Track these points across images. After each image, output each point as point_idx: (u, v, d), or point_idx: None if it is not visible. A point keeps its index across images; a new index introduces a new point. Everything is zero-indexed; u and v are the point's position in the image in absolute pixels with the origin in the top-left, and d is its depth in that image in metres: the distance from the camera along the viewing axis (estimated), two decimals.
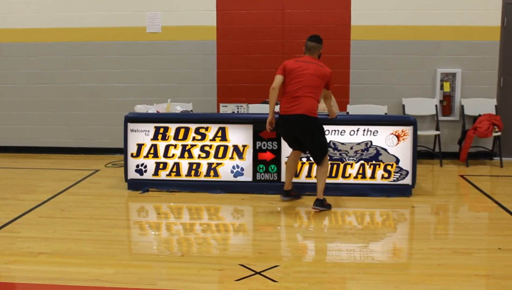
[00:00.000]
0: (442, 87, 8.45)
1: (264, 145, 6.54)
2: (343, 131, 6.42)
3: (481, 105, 8.37)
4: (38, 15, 8.76)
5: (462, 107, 8.43)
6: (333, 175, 6.47)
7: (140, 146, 6.67)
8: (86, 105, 8.90)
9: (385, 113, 8.11)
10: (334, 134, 6.42)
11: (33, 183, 7.25)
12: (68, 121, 8.97)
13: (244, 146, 6.56)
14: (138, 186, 6.71)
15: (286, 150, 6.38)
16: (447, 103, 8.50)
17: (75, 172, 7.76)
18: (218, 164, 6.61)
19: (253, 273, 4.24)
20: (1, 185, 7.21)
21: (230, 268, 4.36)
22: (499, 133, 8.12)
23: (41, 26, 8.79)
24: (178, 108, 7.53)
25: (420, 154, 6.83)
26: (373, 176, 6.45)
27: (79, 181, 7.26)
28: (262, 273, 4.24)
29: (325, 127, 6.22)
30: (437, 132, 8.31)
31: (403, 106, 8.42)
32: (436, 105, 8.42)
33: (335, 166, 6.47)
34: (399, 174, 6.42)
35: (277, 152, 6.52)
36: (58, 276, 4.24)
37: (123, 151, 6.80)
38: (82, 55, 8.80)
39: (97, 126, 8.89)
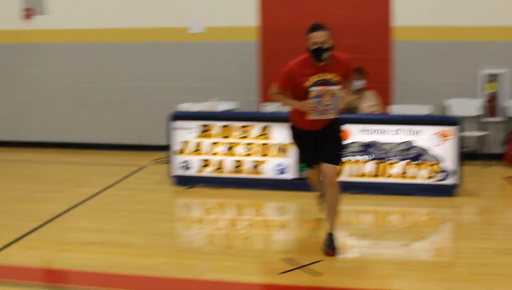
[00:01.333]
0: (486, 88, 8.36)
1: None
2: (386, 131, 6.43)
3: None
4: (86, 16, 9.03)
5: (507, 108, 8.32)
6: (376, 174, 6.49)
7: (185, 144, 6.82)
8: (131, 103, 9.12)
9: (428, 114, 8.07)
10: (377, 134, 6.44)
11: (83, 178, 7.52)
12: (115, 119, 9.21)
13: (287, 144, 6.63)
14: (183, 182, 6.86)
15: None
16: (491, 104, 8.41)
17: (122, 168, 7.97)
18: (261, 161, 6.71)
19: (297, 267, 4.32)
20: (53, 179, 7.48)
21: (274, 261, 4.46)
22: None
23: (88, 27, 9.05)
24: (221, 106, 7.66)
25: (464, 155, 6.79)
26: (416, 176, 6.44)
27: (126, 177, 7.45)
28: (305, 267, 4.32)
29: (368, 127, 6.26)
30: (481, 133, 8.23)
31: (447, 107, 8.36)
32: (480, 106, 8.33)
33: (378, 165, 6.48)
34: (442, 174, 6.40)
35: None
36: (109, 264, 4.42)
37: (168, 148, 6.97)
38: (128, 55, 9.02)
39: (143, 124, 9.09)
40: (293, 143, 5.23)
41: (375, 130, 6.45)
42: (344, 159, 5.60)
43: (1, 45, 9.39)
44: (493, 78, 8.35)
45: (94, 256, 4.60)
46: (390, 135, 6.44)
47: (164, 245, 4.94)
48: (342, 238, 4.88)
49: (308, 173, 5.38)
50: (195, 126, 6.79)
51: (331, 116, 4.73)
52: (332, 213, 4.81)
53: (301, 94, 4.69)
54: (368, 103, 7.26)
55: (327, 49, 4.55)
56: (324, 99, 4.64)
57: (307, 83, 4.65)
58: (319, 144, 4.91)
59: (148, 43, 8.96)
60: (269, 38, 8.63)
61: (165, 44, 8.91)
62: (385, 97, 8.11)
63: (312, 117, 4.71)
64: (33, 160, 8.74)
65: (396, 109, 8.06)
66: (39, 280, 4.32)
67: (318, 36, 4.52)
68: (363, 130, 6.45)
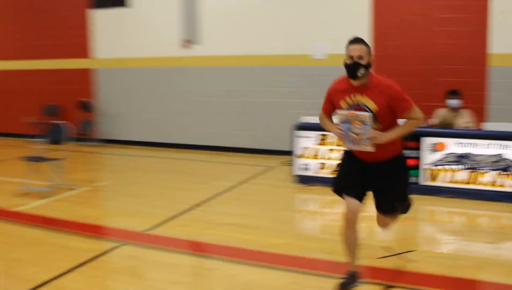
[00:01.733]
0: None
1: None
2: (478, 144, 6.28)
3: None
4: (234, 44, 9.53)
5: None
6: (468, 182, 6.35)
7: (305, 149, 7.09)
8: (264, 115, 9.49)
9: None
10: (470, 147, 6.30)
11: (223, 173, 8.02)
12: (251, 128, 9.62)
13: None
14: (304, 180, 7.12)
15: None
16: None
17: (254, 167, 8.36)
18: None
19: (394, 254, 4.43)
20: (202, 174, 8.08)
21: (372, 249, 4.58)
22: None
23: (234, 54, 9.57)
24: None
25: None
26: (505, 185, 6.22)
27: (257, 175, 7.85)
28: (401, 254, 4.42)
29: (463, 140, 6.20)
30: None
31: None
32: None
33: (470, 173, 6.34)
34: None
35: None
36: (240, 241, 4.84)
37: (291, 153, 7.27)
38: (262, 76, 9.43)
39: (273, 132, 9.44)
40: (339, 166, 3.96)
41: (469, 144, 6.32)
42: (408, 202, 4.11)
43: (167, 68, 10.24)
44: None
45: (228, 235, 5.04)
46: (482, 148, 6.28)
47: (286, 230, 5.25)
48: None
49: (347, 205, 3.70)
50: (314, 135, 7.04)
51: (367, 148, 3.51)
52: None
53: None
54: (464, 120, 7.11)
55: (363, 66, 3.48)
56: (354, 125, 3.50)
57: (342, 104, 3.64)
58: (369, 180, 3.72)
59: (280, 67, 9.29)
60: (378, 65, 8.64)
61: (293, 68, 9.23)
62: (481, 116, 7.86)
63: (346, 145, 3.65)
64: (186, 158, 9.42)
65: (489, 126, 7.77)
66: (189, 249, 4.81)
67: (355, 50, 3.50)
68: (458, 143, 6.35)
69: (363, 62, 3.49)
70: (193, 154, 9.68)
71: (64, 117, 10.69)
